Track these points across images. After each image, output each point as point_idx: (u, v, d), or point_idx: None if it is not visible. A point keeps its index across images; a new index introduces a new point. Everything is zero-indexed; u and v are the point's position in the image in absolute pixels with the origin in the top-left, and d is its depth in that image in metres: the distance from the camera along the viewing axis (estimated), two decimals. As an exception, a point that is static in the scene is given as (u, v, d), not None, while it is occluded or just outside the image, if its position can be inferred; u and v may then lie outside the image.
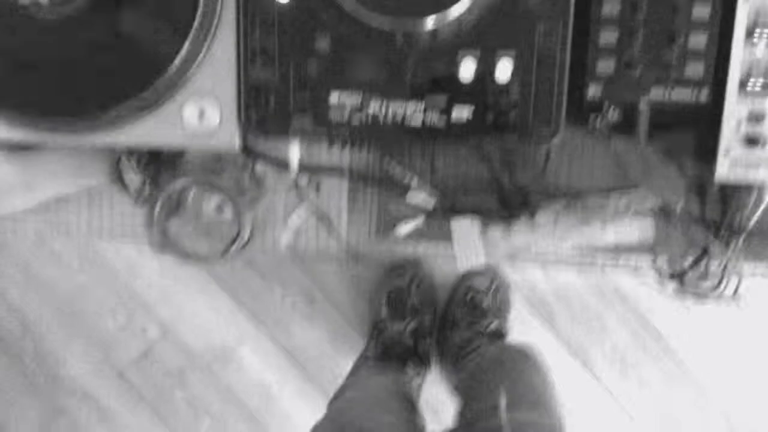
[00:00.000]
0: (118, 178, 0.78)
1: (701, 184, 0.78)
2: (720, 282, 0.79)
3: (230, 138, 0.70)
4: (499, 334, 1.41)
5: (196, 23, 0.67)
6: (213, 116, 0.69)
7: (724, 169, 0.70)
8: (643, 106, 0.69)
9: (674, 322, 1.54)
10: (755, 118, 0.69)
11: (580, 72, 0.69)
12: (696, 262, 0.80)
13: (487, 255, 0.80)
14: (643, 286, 1.50)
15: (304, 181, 0.81)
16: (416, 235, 0.83)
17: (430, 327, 1.48)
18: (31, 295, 1.68)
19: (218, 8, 0.68)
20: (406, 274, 1.47)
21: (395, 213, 0.82)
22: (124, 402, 1.73)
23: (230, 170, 0.78)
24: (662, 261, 0.81)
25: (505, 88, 0.68)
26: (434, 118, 0.69)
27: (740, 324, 1.52)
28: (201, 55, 0.69)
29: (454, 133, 0.69)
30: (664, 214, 0.79)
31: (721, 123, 0.69)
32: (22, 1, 0.66)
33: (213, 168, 0.78)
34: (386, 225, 0.83)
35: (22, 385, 1.74)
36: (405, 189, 0.80)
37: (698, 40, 0.68)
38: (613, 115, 0.70)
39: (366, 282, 1.56)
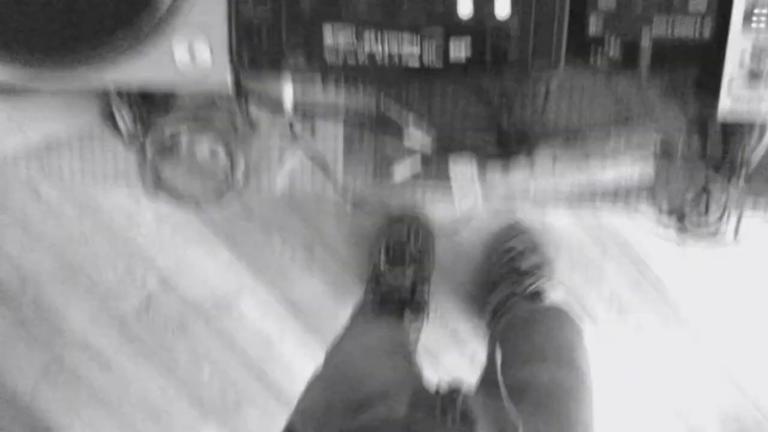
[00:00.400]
0: (110, 121, 0.77)
1: (703, 121, 0.77)
2: (720, 220, 0.79)
3: (223, 78, 0.69)
4: (537, 294, 1.42)
5: (184, -43, 0.65)
6: (204, 55, 0.68)
7: (726, 106, 0.69)
8: (645, 42, 0.68)
9: (672, 268, 1.55)
10: (759, 53, 0.68)
11: (582, 5, 0.68)
12: (696, 200, 0.79)
13: (484, 196, 0.79)
14: (642, 231, 1.50)
15: (298, 124, 0.80)
16: (414, 178, 0.82)
17: (428, 273, 1.49)
18: (30, 247, 1.68)
19: (207, -59, 0.66)
20: (404, 225, 1.48)
21: (392, 156, 0.81)
22: (125, 352, 1.75)
23: (223, 112, 0.77)
24: (662, 199, 0.80)
25: (504, 24, 0.67)
26: (432, 58, 0.68)
27: (738, 269, 1.53)
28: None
29: (452, 72, 0.68)
30: (664, 151, 0.78)
31: (724, 59, 0.68)
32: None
33: (206, 110, 0.77)
34: (383, 168, 0.82)
35: (22, 336, 1.75)
36: (402, 130, 0.79)
37: (702, -29, 0.66)
38: (614, 49, 0.69)
39: (365, 231, 1.56)
